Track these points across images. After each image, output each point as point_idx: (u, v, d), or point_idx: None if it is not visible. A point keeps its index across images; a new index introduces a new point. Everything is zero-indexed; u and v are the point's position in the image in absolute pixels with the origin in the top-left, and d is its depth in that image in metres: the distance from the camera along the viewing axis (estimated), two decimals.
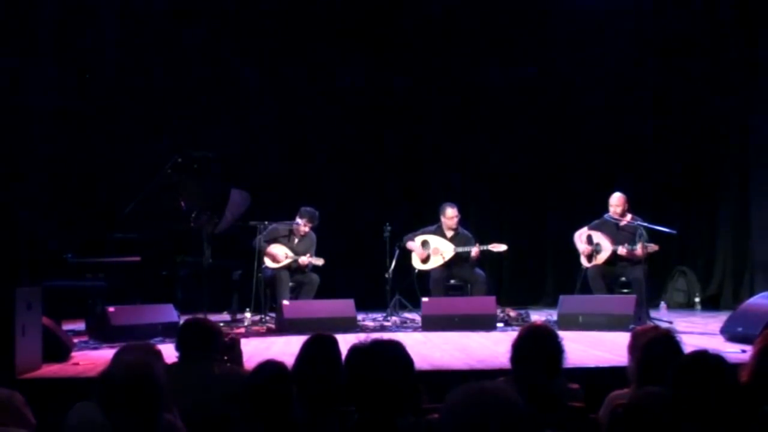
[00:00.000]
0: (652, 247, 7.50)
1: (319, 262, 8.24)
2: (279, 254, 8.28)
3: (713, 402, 2.44)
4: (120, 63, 9.73)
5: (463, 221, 8.63)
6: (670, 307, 9.51)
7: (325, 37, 10.23)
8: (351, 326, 7.42)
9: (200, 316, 6.97)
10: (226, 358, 3.81)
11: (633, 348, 3.24)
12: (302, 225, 8.33)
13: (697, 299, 9.88)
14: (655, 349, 2.98)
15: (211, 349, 3.66)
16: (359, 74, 10.34)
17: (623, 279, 7.90)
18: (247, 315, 7.78)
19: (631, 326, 6.34)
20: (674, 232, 7.79)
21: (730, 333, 6.32)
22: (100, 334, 6.71)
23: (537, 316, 8.27)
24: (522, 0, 10.43)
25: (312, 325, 6.74)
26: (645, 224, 7.68)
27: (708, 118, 10.10)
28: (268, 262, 8.27)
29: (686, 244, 10.15)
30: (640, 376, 2.95)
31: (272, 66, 10.23)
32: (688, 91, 10.15)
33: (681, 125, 10.23)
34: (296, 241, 8.42)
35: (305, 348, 3.35)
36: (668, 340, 3.05)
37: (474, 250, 8.20)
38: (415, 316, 8.22)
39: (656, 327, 3.81)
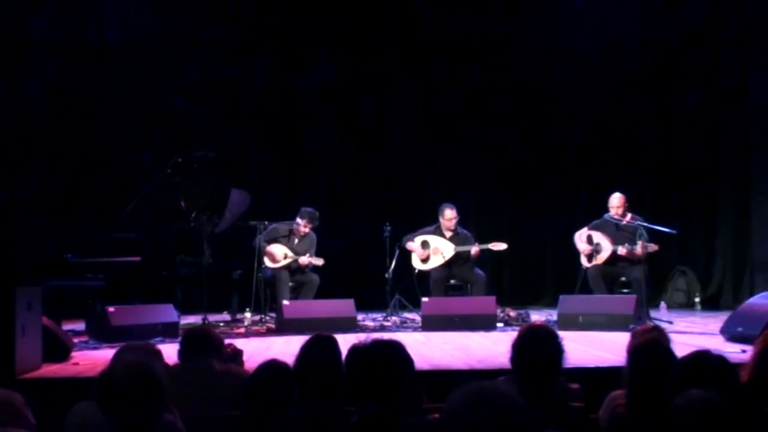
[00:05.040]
0: (652, 247, 7.49)
1: (319, 262, 8.24)
2: (277, 254, 8.27)
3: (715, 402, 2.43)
4: (120, 62, 9.72)
5: (463, 221, 8.64)
6: (670, 307, 9.49)
7: (324, 37, 10.23)
8: (351, 326, 7.42)
9: (202, 324, 7.02)
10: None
11: (627, 350, 3.25)
12: (302, 226, 8.32)
13: (697, 299, 9.87)
14: (645, 354, 2.97)
15: (213, 353, 3.66)
16: (359, 74, 10.35)
17: (623, 279, 7.90)
18: (247, 315, 7.78)
19: (631, 326, 6.34)
20: (674, 232, 7.78)
21: (730, 333, 6.32)
22: (100, 334, 6.70)
23: (537, 316, 8.27)
24: (522, 0, 10.44)
25: (312, 325, 6.73)
26: (645, 224, 7.67)
27: (708, 118, 10.10)
28: (267, 262, 8.27)
29: (686, 244, 10.15)
30: (631, 380, 2.95)
31: (272, 65, 10.23)
32: (688, 91, 10.14)
33: (681, 125, 10.22)
34: (296, 241, 8.42)
35: (305, 348, 3.35)
36: (658, 345, 3.04)
37: (474, 249, 8.20)
38: (415, 316, 8.22)
39: (656, 327, 3.82)
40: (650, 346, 3.01)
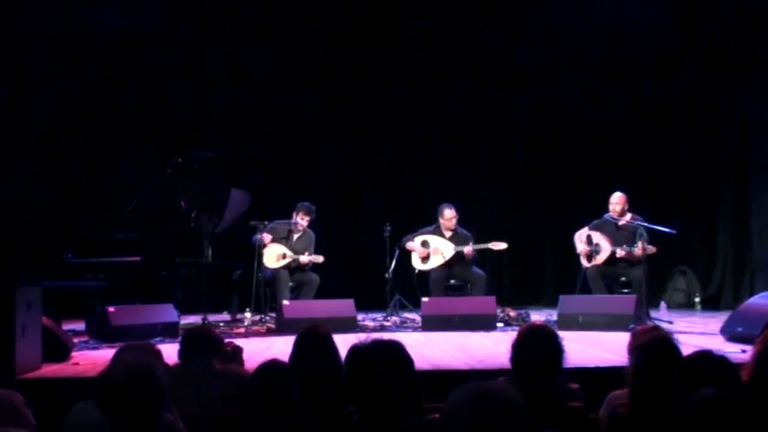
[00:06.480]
0: (650, 249, 7.48)
1: (319, 259, 8.25)
2: (271, 256, 8.26)
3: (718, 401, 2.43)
4: (120, 62, 9.73)
5: (463, 221, 8.63)
6: (670, 307, 9.49)
7: (325, 37, 10.23)
8: (351, 326, 7.41)
9: (202, 324, 7.02)
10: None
11: (632, 348, 3.24)
12: (300, 219, 8.32)
13: (697, 299, 9.87)
14: (653, 352, 2.96)
15: (213, 352, 3.66)
16: (359, 75, 10.35)
17: (623, 279, 7.89)
18: (247, 315, 7.78)
19: (631, 326, 6.33)
20: (674, 232, 7.77)
21: (730, 333, 6.32)
22: (100, 334, 6.71)
23: (537, 316, 8.27)
24: (522, 1, 10.44)
25: None
26: (645, 224, 7.67)
27: (708, 118, 10.09)
28: (266, 261, 8.26)
29: (686, 244, 10.14)
30: (636, 378, 2.94)
31: (273, 65, 10.23)
32: (688, 91, 10.14)
33: (681, 125, 10.22)
34: (295, 238, 8.42)
35: (299, 341, 3.37)
36: (666, 343, 3.03)
37: (467, 249, 8.19)
38: (415, 316, 8.21)
39: (656, 327, 3.81)
40: (658, 345, 3.00)
